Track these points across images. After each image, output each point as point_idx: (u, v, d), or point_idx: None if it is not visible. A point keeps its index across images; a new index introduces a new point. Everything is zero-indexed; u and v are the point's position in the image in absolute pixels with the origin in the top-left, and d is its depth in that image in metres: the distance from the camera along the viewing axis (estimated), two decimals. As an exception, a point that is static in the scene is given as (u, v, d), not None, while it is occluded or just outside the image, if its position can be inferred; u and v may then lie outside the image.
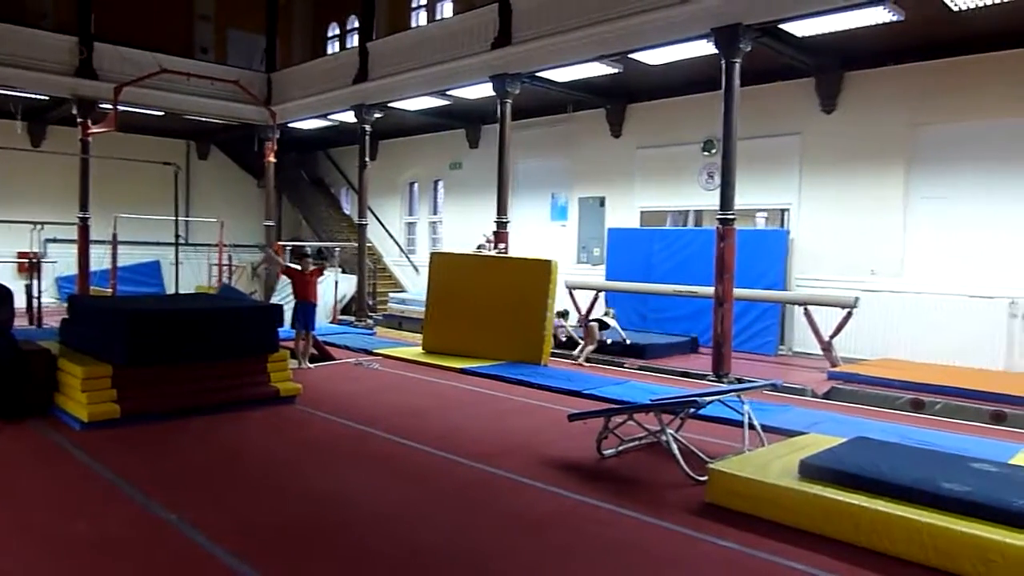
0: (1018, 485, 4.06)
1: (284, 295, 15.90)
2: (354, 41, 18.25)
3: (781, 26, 9.16)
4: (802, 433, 5.94)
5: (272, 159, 16.82)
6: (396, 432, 6.34)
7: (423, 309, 14.84)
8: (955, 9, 8.44)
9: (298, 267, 10.09)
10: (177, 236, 15.14)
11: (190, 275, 18.56)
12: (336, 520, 4.31)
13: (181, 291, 15.34)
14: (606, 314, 11.13)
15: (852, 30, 9.17)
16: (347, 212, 20.64)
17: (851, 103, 11.18)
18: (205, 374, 6.96)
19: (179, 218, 15.32)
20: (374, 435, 6.31)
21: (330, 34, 20.63)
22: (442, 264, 10.96)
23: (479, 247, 13.59)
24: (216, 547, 3.83)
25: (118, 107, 13.70)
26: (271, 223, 17.76)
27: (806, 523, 4.17)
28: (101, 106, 14.77)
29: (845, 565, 3.75)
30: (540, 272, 10.08)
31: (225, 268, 18.08)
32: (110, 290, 15.44)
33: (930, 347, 10.07)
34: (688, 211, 13.74)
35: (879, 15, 8.62)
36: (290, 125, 17.35)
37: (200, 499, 4.61)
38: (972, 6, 8.33)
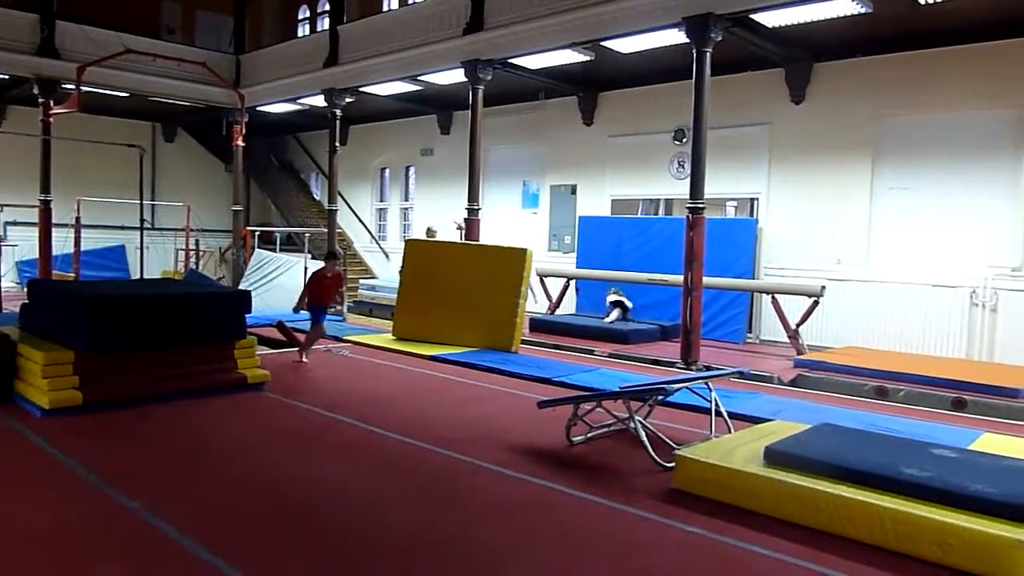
0: (976, 470, 4.15)
1: (252, 280, 15.74)
2: (325, 24, 18.05)
3: (752, 16, 9.21)
4: (768, 420, 6.01)
5: (240, 143, 16.58)
6: (365, 419, 6.31)
7: (394, 296, 14.83)
8: (921, 2, 8.55)
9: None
10: (143, 220, 14.87)
11: (156, 260, 18.31)
12: (303, 507, 4.28)
13: (147, 276, 15.10)
14: (616, 293, 12.00)
15: (821, 21, 9.25)
16: (317, 197, 20.46)
17: (819, 94, 11.30)
18: (170, 361, 6.85)
19: (144, 202, 15.04)
20: (343, 422, 6.28)
21: (300, 16, 20.35)
22: (416, 250, 10.90)
23: (428, 231, 13.79)
24: (179, 534, 3.78)
25: (81, 87, 13.38)
26: (239, 208, 17.53)
27: (771, 508, 4.22)
28: (63, 86, 14.43)
29: (809, 549, 3.81)
30: (514, 260, 10.06)
31: (192, 253, 17.82)
32: (73, 274, 15.15)
33: (894, 335, 10.26)
34: (659, 200, 13.81)
35: (847, 7, 8.71)
36: (259, 108, 17.11)
37: (164, 487, 4.55)
38: (938, 0, 8.44)
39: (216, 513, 4.16)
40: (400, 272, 11.01)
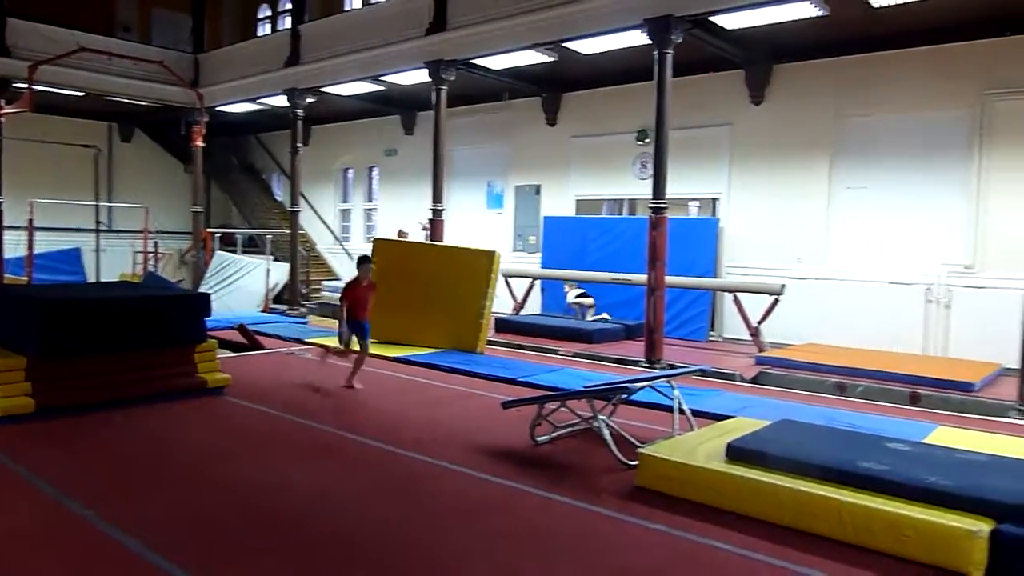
0: (930, 463, 4.24)
1: (213, 283, 15.51)
2: (286, 23, 17.83)
3: (711, 18, 9.30)
4: (730, 417, 6.08)
5: (200, 143, 16.29)
6: (328, 422, 6.24)
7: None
8: (876, 6, 8.72)
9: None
10: (98, 222, 14.55)
11: (113, 263, 17.92)
12: (264, 512, 4.22)
13: (103, 279, 14.77)
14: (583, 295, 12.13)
15: (780, 24, 9.38)
16: (279, 199, 20.20)
17: (779, 95, 11.47)
18: (127, 365, 6.71)
19: (100, 203, 14.72)
20: (305, 425, 6.20)
21: (261, 15, 20.07)
22: (384, 249, 10.75)
23: (399, 233, 13.69)
24: (134, 541, 3.70)
25: (33, 86, 13.05)
26: (199, 209, 17.22)
27: (733, 504, 4.27)
28: (15, 85, 14.05)
29: (770, 544, 3.86)
30: (482, 261, 10.04)
31: (151, 255, 17.48)
32: (26, 278, 14.77)
33: (853, 332, 10.44)
34: (623, 200, 13.90)
35: (805, 9, 8.84)
36: (219, 108, 16.84)
37: (119, 493, 4.45)
38: (891, 3, 8.62)
39: (172, 518, 4.08)
40: None
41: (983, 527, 3.54)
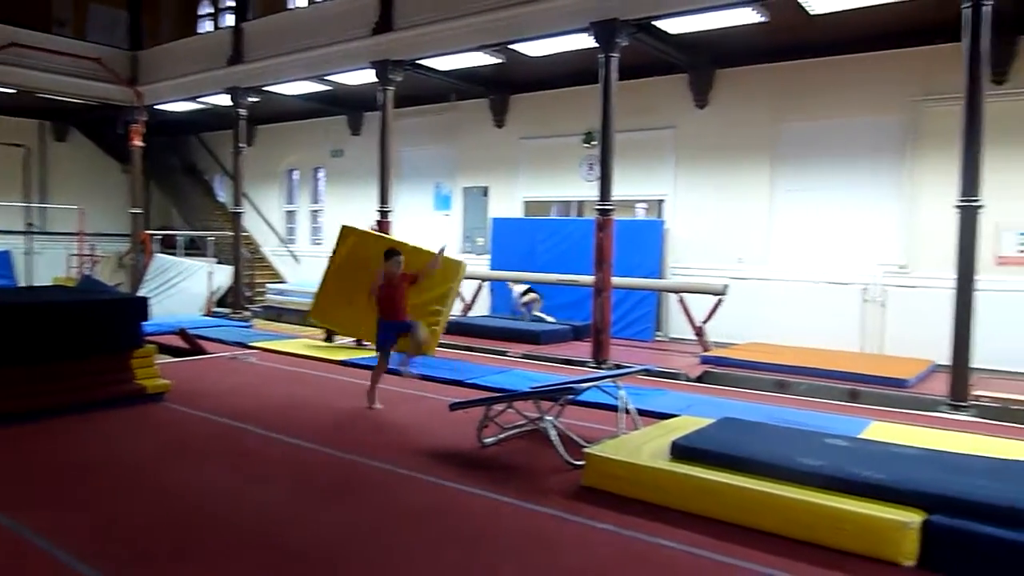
0: (866, 457, 4.37)
1: (153, 287, 15.11)
2: (228, 21, 17.44)
3: (656, 23, 9.43)
4: (675, 416, 6.17)
5: (139, 143, 15.88)
6: (271, 427, 6.13)
7: (305, 300, 14.48)
8: (813, 13, 8.96)
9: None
10: (30, 224, 14.03)
11: (47, 266, 17.31)
12: (202, 521, 4.12)
13: (36, 283, 14.26)
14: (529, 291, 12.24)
15: (722, 29, 9.56)
16: (222, 200, 19.77)
17: (722, 99, 11.69)
18: (61, 372, 6.48)
19: (32, 204, 14.20)
20: (247, 431, 6.08)
21: (202, 12, 19.60)
22: (351, 236, 10.30)
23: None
24: (62, 553, 3.57)
25: (-41, 83, 12.54)
26: (138, 211, 16.76)
27: (678, 502, 4.33)
28: (-61, 82, 13.48)
29: (713, 540, 3.92)
30: (448, 270, 9.82)
31: (87, 258, 16.94)
32: (-48, 283, 14.17)
33: (794, 331, 10.70)
34: (571, 201, 13.99)
35: (746, 16, 9.03)
36: (158, 107, 16.41)
37: (49, 503, 4.30)
38: (828, 11, 8.86)
39: (105, 529, 3.96)
40: (331, 256, 10.41)
41: (915, 519, 3.66)
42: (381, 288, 7.02)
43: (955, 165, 7.38)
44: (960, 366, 7.30)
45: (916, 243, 10.13)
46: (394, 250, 7.29)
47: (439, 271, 9.72)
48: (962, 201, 7.28)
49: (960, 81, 7.29)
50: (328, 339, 11.05)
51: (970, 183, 7.23)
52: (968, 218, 7.28)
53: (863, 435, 5.71)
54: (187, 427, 6.26)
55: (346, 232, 10.40)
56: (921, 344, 9.66)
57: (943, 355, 7.66)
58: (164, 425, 6.30)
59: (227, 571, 3.52)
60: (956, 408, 7.23)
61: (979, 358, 7.67)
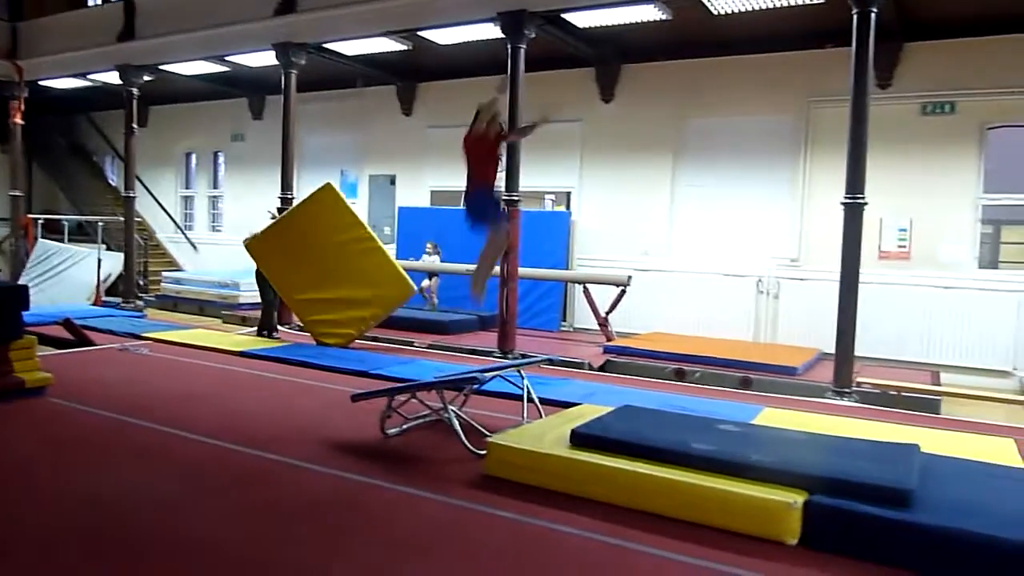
0: (755, 442, 4.56)
1: (36, 274, 14.25)
2: (119, -6, 16.52)
3: (563, 16, 9.51)
4: (577, 404, 6.25)
5: (19, 120, 14.87)
6: (162, 422, 5.86)
7: (202, 289, 13.99)
8: (715, 13, 9.23)
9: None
10: None
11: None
12: (88, 522, 3.89)
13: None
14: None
15: (627, 25, 9.74)
16: (113, 183, 18.78)
17: (627, 94, 11.92)
18: (-75, 364, 6.01)
19: None
20: (137, 426, 5.79)
21: (91, -16, 18.51)
22: (329, 202, 9.87)
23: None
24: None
25: None
26: (19, 193, 15.71)
27: (577, 488, 4.39)
28: None
29: (610, 525, 4.00)
30: (393, 291, 9.80)
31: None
32: None
33: (692, 321, 11.05)
34: (479, 192, 13.96)
35: (649, 12, 9.22)
36: (42, 83, 15.39)
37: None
38: (729, 11, 9.15)
39: (-24, 534, 3.70)
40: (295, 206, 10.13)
41: (798, 499, 3.84)
42: (475, 143, 5.33)
43: (843, 164, 7.77)
44: (844, 355, 7.70)
45: (807, 238, 10.63)
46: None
47: (389, 287, 9.64)
48: (848, 198, 7.67)
49: (848, 84, 7.67)
50: (264, 333, 10.43)
51: (856, 181, 7.62)
52: (853, 214, 7.67)
53: (755, 421, 5.95)
54: (68, 422, 5.91)
55: (328, 193, 9.89)
56: (810, 334, 10.19)
57: (830, 344, 8.06)
58: (43, 420, 5.93)
59: (104, 570, 3.34)
60: (840, 394, 7.63)
61: (862, 347, 8.13)
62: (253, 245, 9.96)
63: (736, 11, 9.13)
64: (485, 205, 5.23)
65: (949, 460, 4.77)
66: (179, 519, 3.97)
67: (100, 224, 15.06)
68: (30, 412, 6.14)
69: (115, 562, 3.45)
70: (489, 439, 4.85)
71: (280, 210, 11.64)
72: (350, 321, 9.67)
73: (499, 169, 5.20)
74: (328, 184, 10.03)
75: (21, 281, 13.64)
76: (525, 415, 5.65)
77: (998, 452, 5.40)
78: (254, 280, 10.50)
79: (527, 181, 9.81)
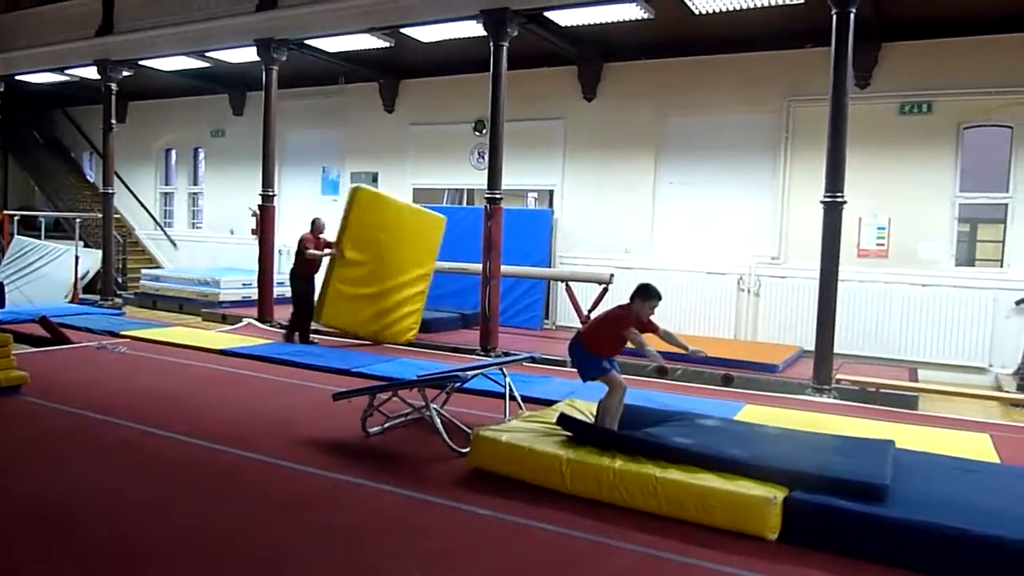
0: (735, 438, 4.59)
1: (11, 271, 14.07)
2: (97, -12, 16.32)
3: (546, 14, 9.49)
4: (559, 401, 6.26)
5: (-6, 115, 14.66)
6: (142, 420, 5.81)
7: (181, 287, 13.86)
8: (696, 12, 9.27)
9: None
10: None
11: None
12: (64, 521, 3.85)
13: None
14: None
15: (609, 24, 9.74)
16: (91, 179, 18.55)
17: (609, 92, 11.93)
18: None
19: None
20: (115, 424, 5.74)
21: (68, -22, 18.26)
22: (364, 202, 9.60)
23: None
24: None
25: None
26: (-6, 189, 15.51)
27: (558, 484, 4.40)
28: None
29: (589, 521, 4.01)
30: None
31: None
32: None
33: (674, 318, 11.05)
34: (462, 189, 13.96)
35: (631, 11, 9.23)
36: (17, 78, 15.17)
37: None
38: (710, 11, 9.19)
39: (-50, 534, 3.65)
40: (340, 232, 9.49)
41: (778, 495, 3.87)
42: (617, 319, 5.25)
43: (822, 163, 7.82)
44: (823, 352, 7.76)
45: (787, 236, 10.70)
46: (655, 291, 5.25)
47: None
48: (827, 197, 7.72)
49: (828, 84, 7.72)
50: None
51: (835, 180, 7.67)
52: (832, 213, 7.73)
53: (737, 417, 6.00)
54: (43, 421, 5.85)
55: (358, 195, 9.57)
56: (790, 331, 10.29)
57: (810, 341, 8.12)
58: (19, 420, 5.86)
59: (77, 572, 3.31)
60: (820, 391, 7.68)
61: (841, 344, 8.20)
62: (330, 316, 9.50)
63: (717, 11, 9.16)
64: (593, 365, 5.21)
65: (925, 455, 4.84)
66: (145, 517, 3.93)
67: (78, 220, 14.89)
68: (3, 411, 6.05)
69: (59, 563, 3.41)
70: (474, 431, 4.85)
71: (261, 208, 11.59)
72: (408, 313, 10.04)
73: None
74: (357, 187, 9.90)
75: (-4, 279, 13.47)
76: (507, 413, 5.66)
77: (974, 447, 5.49)
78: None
79: (510, 179, 9.82)
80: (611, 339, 5.22)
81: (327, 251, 9.53)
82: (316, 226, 9.78)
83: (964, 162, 9.75)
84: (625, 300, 5.20)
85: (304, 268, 9.69)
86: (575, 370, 5.42)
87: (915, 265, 9.86)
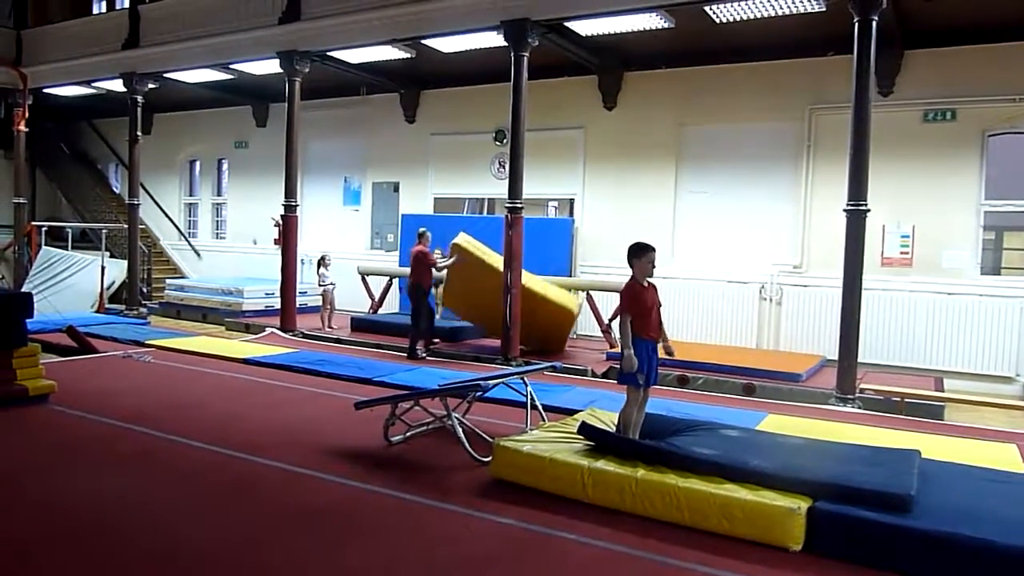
0: (757, 447, 4.56)
1: (39, 281, 14.30)
2: (124, 2, 16.62)
3: (566, 24, 9.55)
4: (580, 411, 6.26)
5: (23, 128, 14.95)
6: (165, 428, 5.88)
7: (205, 296, 14.01)
8: (718, 21, 9.27)
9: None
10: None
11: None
12: (88, 527, 3.92)
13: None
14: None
15: (629, 33, 9.77)
16: (117, 191, 18.83)
17: (629, 101, 11.94)
18: (-69, 371, 6.04)
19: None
20: (140, 432, 5.81)
21: (95, -8, 18.62)
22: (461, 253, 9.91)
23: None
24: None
25: None
26: (22, 200, 15.78)
27: (580, 494, 4.40)
28: None
29: (610, 531, 4.01)
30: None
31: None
32: None
33: (695, 327, 11.04)
34: (483, 199, 14.01)
35: (652, 21, 9.25)
36: (46, 91, 15.48)
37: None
38: (732, 19, 9.18)
39: (-18, 540, 3.71)
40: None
41: (802, 505, 3.84)
42: (639, 293, 5.16)
43: (845, 171, 7.77)
44: (847, 361, 7.69)
45: (809, 244, 10.62)
46: (646, 246, 5.36)
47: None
48: (850, 205, 7.68)
49: (850, 92, 7.68)
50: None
51: (858, 188, 7.63)
52: (856, 221, 7.68)
53: (759, 427, 5.96)
54: (71, 430, 5.93)
55: (460, 247, 9.98)
56: (813, 340, 10.20)
57: (833, 350, 8.05)
58: (46, 428, 5.96)
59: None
60: (843, 400, 7.62)
61: (865, 353, 8.12)
62: (449, 302, 10.69)
63: (738, 19, 9.16)
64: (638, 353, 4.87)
65: (951, 466, 4.78)
66: (167, 525, 3.98)
67: (104, 231, 15.11)
68: (32, 419, 6.17)
69: (85, 570, 3.45)
70: (496, 441, 4.86)
71: (284, 217, 11.70)
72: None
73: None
74: (458, 240, 10.07)
75: (25, 288, 13.70)
76: (529, 422, 5.66)
77: (1001, 458, 5.41)
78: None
79: (530, 189, 9.85)
80: (642, 316, 5.08)
81: (451, 260, 9.82)
82: (426, 238, 9.96)
83: (990, 170, 9.63)
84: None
85: (428, 281, 9.90)
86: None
87: (940, 274, 9.75)
